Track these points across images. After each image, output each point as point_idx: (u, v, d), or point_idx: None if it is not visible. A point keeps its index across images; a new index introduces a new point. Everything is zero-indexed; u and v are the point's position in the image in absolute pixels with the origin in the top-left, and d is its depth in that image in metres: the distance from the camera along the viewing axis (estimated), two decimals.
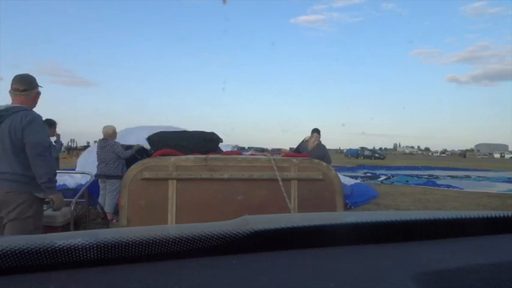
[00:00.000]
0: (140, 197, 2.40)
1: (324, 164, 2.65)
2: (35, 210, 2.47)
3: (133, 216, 2.37)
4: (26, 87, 2.52)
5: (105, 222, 4.84)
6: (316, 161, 2.69)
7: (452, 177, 16.11)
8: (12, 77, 2.56)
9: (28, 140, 2.39)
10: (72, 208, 3.55)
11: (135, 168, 2.42)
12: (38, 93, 2.63)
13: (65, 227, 3.40)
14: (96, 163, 5.85)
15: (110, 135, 5.80)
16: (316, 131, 5.79)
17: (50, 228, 3.26)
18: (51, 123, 5.10)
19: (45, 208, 3.07)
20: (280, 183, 2.38)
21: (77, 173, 6.78)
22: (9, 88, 2.56)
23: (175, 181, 2.44)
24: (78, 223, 3.91)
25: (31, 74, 2.65)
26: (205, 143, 3.42)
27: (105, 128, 5.84)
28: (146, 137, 3.58)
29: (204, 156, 2.57)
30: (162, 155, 2.62)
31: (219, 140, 3.77)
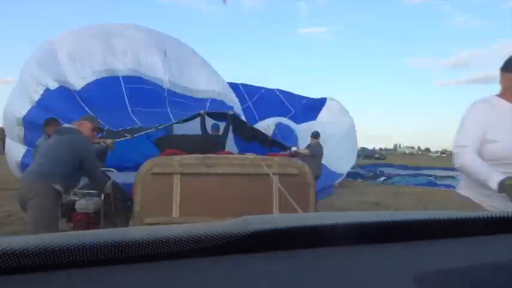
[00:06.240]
0: (151, 187, 2.96)
1: (300, 162, 3.28)
2: (52, 200, 2.82)
3: (145, 203, 2.93)
4: (85, 120, 3.26)
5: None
6: (294, 159, 3.34)
7: (453, 177, 16.04)
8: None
9: (86, 163, 3.00)
10: (102, 198, 4.13)
11: (147, 164, 3.02)
12: (95, 129, 3.29)
13: (96, 213, 3.97)
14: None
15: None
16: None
17: (84, 215, 3.86)
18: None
19: (77, 199, 3.86)
20: (272, 177, 2.86)
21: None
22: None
23: (179, 175, 2.99)
24: (106, 213, 4.31)
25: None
26: (206, 144, 4.31)
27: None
28: None
29: (202, 155, 3.17)
30: (168, 154, 3.25)
31: (223, 142, 4.88)
